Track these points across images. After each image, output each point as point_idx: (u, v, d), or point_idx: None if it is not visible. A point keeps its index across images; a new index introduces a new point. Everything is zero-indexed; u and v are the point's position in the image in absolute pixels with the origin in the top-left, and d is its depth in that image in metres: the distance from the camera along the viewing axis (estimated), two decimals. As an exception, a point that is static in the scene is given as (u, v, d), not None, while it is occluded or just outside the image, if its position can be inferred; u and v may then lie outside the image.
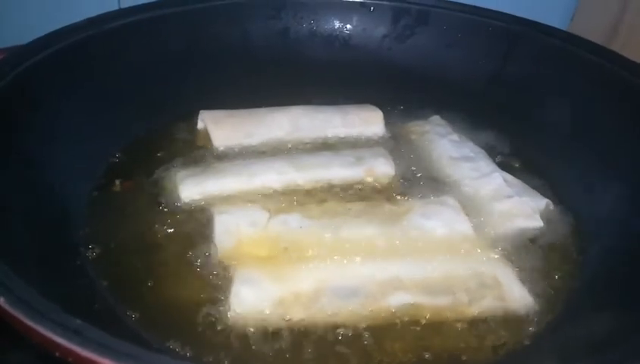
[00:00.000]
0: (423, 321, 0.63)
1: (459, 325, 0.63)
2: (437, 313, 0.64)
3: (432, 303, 0.64)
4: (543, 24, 0.98)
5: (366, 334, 0.61)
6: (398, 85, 1.02)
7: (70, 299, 0.50)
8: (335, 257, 0.68)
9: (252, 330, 0.61)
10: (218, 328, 0.61)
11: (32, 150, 0.71)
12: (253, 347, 0.59)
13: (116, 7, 1.08)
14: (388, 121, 0.94)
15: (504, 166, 0.86)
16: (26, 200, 0.64)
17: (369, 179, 0.83)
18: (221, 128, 0.89)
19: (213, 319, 0.62)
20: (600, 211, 0.75)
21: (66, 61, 0.81)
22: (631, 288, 0.63)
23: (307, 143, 0.90)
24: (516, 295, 0.66)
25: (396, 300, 0.64)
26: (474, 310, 0.64)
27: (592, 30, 1.14)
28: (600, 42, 0.93)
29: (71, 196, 0.73)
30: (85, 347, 0.38)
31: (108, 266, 0.66)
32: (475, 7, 1.03)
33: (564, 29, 1.20)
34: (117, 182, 0.80)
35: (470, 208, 0.78)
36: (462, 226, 0.74)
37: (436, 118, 0.95)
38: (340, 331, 0.62)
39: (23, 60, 0.75)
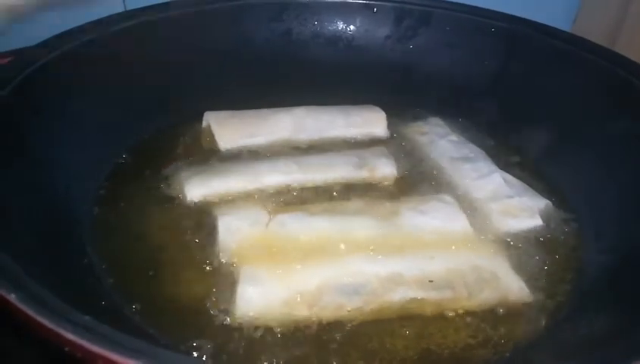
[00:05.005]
0: (424, 318, 0.64)
1: (459, 322, 0.64)
2: (439, 307, 0.65)
3: (434, 298, 0.65)
4: (545, 25, 0.98)
5: (368, 331, 0.62)
6: (400, 86, 1.03)
7: (77, 297, 0.51)
8: (337, 255, 0.69)
9: (258, 329, 0.62)
10: (224, 328, 0.61)
11: (40, 152, 0.72)
12: (259, 346, 0.60)
13: (122, 9, 1.10)
14: (390, 122, 0.95)
15: (504, 166, 0.86)
16: (34, 201, 0.65)
17: (371, 179, 0.84)
18: (226, 129, 0.90)
19: (219, 319, 0.62)
20: (600, 212, 0.76)
21: (72, 64, 0.82)
22: (631, 289, 0.63)
23: (310, 143, 0.91)
24: (514, 288, 0.67)
25: (399, 296, 0.65)
26: (473, 304, 0.65)
27: (595, 31, 1.14)
28: (602, 43, 0.93)
29: (79, 197, 0.74)
30: (94, 343, 0.39)
31: (115, 265, 0.67)
32: (477, 7, 1.03)
33: (567, 30, 1.20)
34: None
35: (470, 208, 0.78)
36: (460, 222, 0.74)
37: (435, 119, 0.96)
38: (343, 328, 0.62)
39: (29, 63, 0.76)
